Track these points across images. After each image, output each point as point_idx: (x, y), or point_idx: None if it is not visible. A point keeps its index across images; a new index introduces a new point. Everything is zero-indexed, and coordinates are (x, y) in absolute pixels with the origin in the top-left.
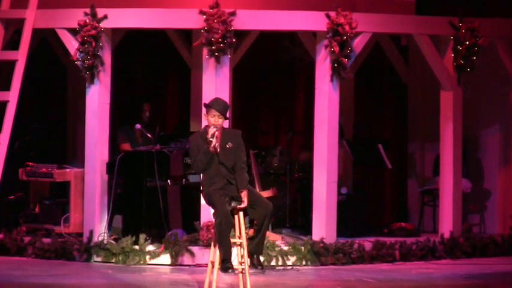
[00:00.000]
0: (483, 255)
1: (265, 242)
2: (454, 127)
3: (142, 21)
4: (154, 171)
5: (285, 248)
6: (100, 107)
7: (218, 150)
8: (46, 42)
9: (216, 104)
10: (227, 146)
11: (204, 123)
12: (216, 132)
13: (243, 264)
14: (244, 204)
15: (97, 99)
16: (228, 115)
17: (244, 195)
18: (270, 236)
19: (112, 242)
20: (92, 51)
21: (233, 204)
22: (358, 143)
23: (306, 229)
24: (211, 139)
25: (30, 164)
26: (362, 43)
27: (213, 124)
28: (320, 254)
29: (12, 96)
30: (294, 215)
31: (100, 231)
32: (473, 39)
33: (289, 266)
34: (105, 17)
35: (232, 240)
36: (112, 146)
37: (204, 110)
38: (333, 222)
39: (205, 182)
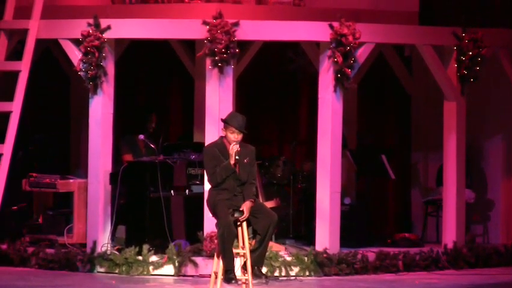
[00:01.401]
0: (486, 265)
1: (267, 254)
2: (457, 137)
3: (145, 32)
4: (158, 182)
5: (288, 258)
6: (103, 117)
7: (238, 166)
8: (49, 53)
9: (235, 121)
10: (245, 160)
11: (208, 133)
12: (239, 149)
13: (246, 274)
14: (245, 215)
15: (100, 110)
16: (244, 129)
17: (245, 205)
18: (273, 246)
19: (116, 252)
20: (96, 61)
21: (236, 215)
22: (361, 153)
23: (310, 239)
24: (237, 157)
25: (34, 174)
26: (365, 53)
27: (233, 140)
28: (323, 265)
29: (15, 107)
30: (297, 225)
31: (103, 242)
32: (476, 50)
33: (292, 276)
34: (108, 27)
35: (235, 250)
36: (115, 156)
37: (208, 121)
38: (337, 233)
39: (212, 192)
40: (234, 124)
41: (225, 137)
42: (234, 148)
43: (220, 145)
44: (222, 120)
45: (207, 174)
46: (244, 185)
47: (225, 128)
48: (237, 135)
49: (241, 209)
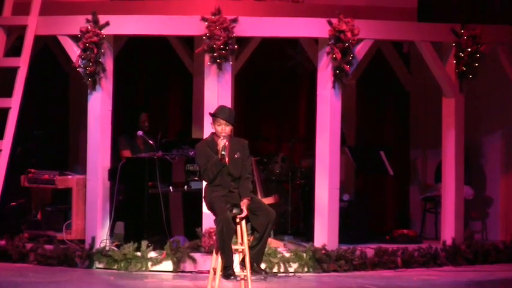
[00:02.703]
0: (485, 262)
1: (266, 250)
2: (456, 134)
3: (143, 28)
4: (156, 178)
5: (287, 254)
6: (102, 114)
7: (227, 160)
8: (48, 49)
9: (222, 113)
10: (235, 156)
11: (207, 130)
12: (226, 143)
13: (244, 271)
14: (244, 214)
15: (99, 106)
16: (234, 121)
17: (243, 203)
18: (272, 242)
19: (114, 248)
20: (94, 57)
21: (234, 211)
22: (360, 149)
23: (308, 236)
24: (223, 152)
25: (32, 170)
26: (363, 50)
27: (221, 133)
28: (321, 261)
29: (14, 103)
30: (296, 221)
31: (102, 238)
32: (475, 46)
33: (291, 272)
34: (107, 23)
35: (234, 247)
36: (114, 153)
37: (206, 117)
38: (335, 229)
39: (207, 189)
40: (221, 116)
41: (214, 132)
42: (220, 143)
43: (211, 141)
44: (210, 114)
45: (200, 172)
46: (239, 181)
47: (213, 121)
48: (224, 127)
49: (241, 208)
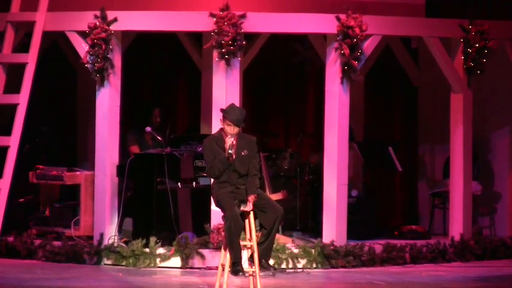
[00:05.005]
0: (493, 257)
1: (274, 246)
2: (464, 129)
3: (152, 24)
4: (165, 174)
5: (296, 250)
6: (110, 110)
7: (234, 158)
8: (56, 45)
9: (232, 114)
10: (242, 153)
11: (215, 125)
12: (234, 142)
13: (253, 267)
14: (249, 207)
15: (107, 102)
16: (244, 122)
17: (251, 199)
18: (280, 238)
19: (122, 244)
20: (102, 53)
21: (242, 207)
22: (368, 145)
23: (317, 232)
24: (230, 151)
25: (41, 167)
26: (372, 45)
27: (229, 133)
28: (330, 257)
29: (22, 99)
30: (304, 217)
31: (110, 234)
32: (483, 42)
33: (299, 268)
34: (115, 19)
35: (242, 243)
36: (122, 149)
37: (214, 113)
38: (344, 225)
39: (215, 185)
40: (231, 117)
41: (223, 129)
42: (227, 142)
43: (218, 138)
44: (221, 110)
45: (207, 169)
46: (246, 177)
47: (223, 119)
48: (233, 128)
49: (248, 202)
